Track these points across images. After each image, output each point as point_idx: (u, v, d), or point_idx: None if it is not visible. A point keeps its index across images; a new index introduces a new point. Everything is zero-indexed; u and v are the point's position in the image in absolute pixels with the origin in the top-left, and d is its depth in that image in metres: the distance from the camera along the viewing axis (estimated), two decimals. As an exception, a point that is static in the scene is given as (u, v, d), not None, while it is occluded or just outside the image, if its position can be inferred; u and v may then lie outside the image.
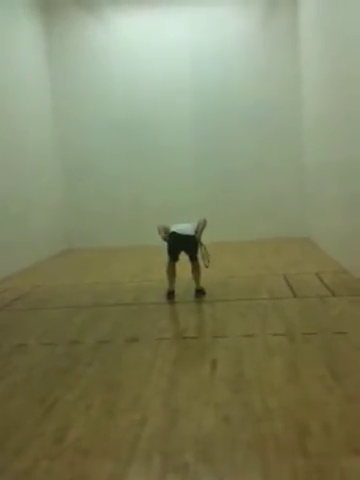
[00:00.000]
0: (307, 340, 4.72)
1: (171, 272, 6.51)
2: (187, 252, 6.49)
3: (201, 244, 6.52)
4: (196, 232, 6.48)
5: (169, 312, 6.10)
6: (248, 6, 11.16)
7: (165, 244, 6.52)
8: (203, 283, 6.62)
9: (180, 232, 6.43)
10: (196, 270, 6.53)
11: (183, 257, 6.52)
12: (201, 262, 6.51)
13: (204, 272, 6.60)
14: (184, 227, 6.53)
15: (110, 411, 3.50)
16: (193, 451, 2.91)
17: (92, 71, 11.57)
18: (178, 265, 6.51)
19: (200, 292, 6.54)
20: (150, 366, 4.27)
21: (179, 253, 6.51)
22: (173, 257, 6.48)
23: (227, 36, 11.22)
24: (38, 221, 10.28)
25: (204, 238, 6.58)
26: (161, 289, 6.82)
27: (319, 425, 3.10)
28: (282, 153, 11.33)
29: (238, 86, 11.27)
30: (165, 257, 6.51)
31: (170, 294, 6.49)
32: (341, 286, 6.67)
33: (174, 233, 6.44)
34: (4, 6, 9.66)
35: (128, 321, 5.79)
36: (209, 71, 11.28)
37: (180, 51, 11.31)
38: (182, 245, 6.47)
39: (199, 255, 6.49)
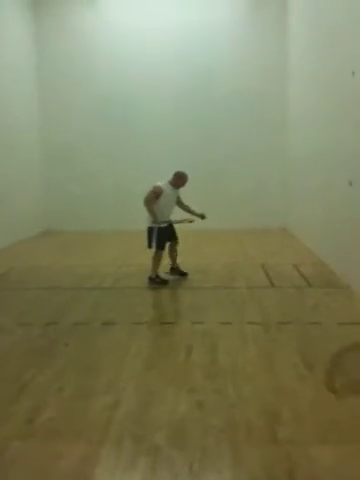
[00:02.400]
0: (282, 329, 4.78)
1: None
2: None
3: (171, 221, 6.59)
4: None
5: (147, 297, 6.11)
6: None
7: None
8: (185, 269, 6.69)
9: None
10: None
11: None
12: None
13: (184, 258, 6.64)
14: None
15: (84, 393, 3.51)
16: (165, 435, 2.94)
17: (79, 50, 11.42)
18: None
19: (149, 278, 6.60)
20: (126, 350, 4.29)
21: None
22: None
23: (215, 22, 11.14)
24: (17, 201, 10.14)
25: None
26: (140, 274, 6.83)
27: (290, 413, 3.16)
28: (266, 143, 11.34)
29: (224, 73, 11.21)
30: None
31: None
32: (318, 277, 6.76)
33: None
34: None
35: (106, 304, 5.78)
36: (195, 56, 11.20)
37: (167, 34, 11.20)
38: None
39: (154, 241, 6.42)
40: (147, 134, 11.42)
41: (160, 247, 6.46)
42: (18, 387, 3.60)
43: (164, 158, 11.38)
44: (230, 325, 4.92)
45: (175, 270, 6.88)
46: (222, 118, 11.31)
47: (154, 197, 6.35)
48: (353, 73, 6.08)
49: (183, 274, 6.88)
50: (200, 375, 3.75)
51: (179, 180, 6.58)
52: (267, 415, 3.14)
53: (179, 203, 6.78)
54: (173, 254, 6.85)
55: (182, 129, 11.40)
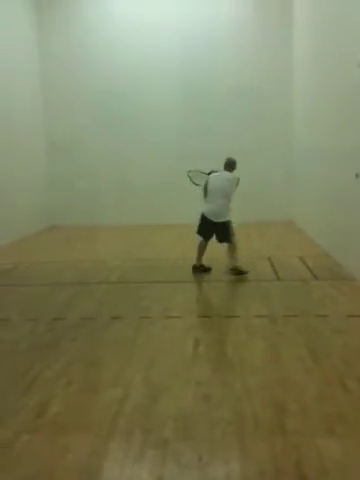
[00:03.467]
0: (288, 322, 4.78)
1: (200, 248, 6.67)
2: (217, 236, 6.56)
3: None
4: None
5: (153, 291, 6.11)
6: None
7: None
8: (188, 263, 6.66)
9: (211, 217, 6.48)
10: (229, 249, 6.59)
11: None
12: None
13: (190, 252, 6.63)
14: (221, 176, 6.61)
15: (91, 387, 3.52)
16: (173, 428, 2.95)
17: (82, 43, 11.38)
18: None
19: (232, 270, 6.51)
20: (132, 344, 4.30)
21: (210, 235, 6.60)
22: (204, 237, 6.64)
23: (219, 15, 11.06)
24: (21, 197, 10.15)
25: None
26: (146, 268, 6.84)
27: (297, 405, 3.16)
28: (271, 136, 11.27)
29: (228, 65, 11.13)
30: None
31: (195, 268, 6.69)
32: (323, 270, 6.74)
33: (205, 218, 6.52)
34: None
35: (112, 299, 5.80)
36: (199, 49, 11.12)
37: (171, 27, 11.13)
38: (213, 230, 6.53)
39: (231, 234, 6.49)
40: (150, 128, 11.39)
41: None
42: (26, 382, 3.62)
43: (167, 152, 11.40)
44: (237, 318, 4.92)
45: (198, 269, 6.75)
46: (226, 111, 11.24)
47: None
48: (359, 65, 6.04)
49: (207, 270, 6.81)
50: (207, 368, 3.76)
51: (233, 167, 6.73)
52: (274, 407, 3.15)
53: None
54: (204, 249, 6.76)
55: (185, 122, 11.36)
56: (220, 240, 6.54)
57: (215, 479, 2.49)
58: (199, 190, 10.81)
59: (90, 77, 11.41)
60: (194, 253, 6.73)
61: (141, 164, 11.44)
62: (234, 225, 6.64)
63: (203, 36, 11.10)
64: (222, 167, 6.74)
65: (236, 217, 10.81)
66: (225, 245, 6.58)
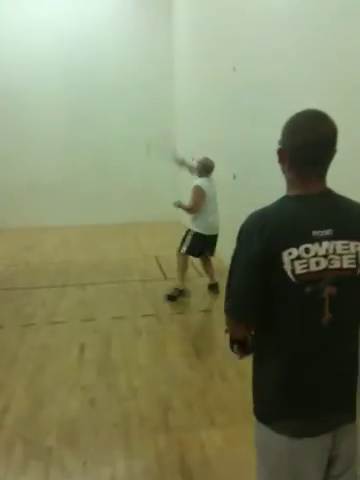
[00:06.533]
0: (174, 320, 4.89)
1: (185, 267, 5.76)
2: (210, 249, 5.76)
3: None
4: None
5: (37, 297, 5.89)
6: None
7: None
8: (74, 266, 6.52)
9: (213, 231, 5.68)
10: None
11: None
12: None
13: (75, 255, 6.51)
14: (211, 183, 5.66)
15: (-31, 402, 3.34)
16: (57, 436, 2.89)
17: None
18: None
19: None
20: (15, 353, 4.13)
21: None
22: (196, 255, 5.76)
23: (102, 13, 10.96)
24: None
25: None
26: (29, 273, 6.59)
27: (181, 401, 3.26)
28: (155, 132, 11.42)
29: (111, 61, 11.03)
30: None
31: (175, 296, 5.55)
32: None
33: (203, 235, 5.58)
34: None
35: (-7, 307, 5.52)
36: (79, 48, 10.87)
37: (53, 23, 10.78)
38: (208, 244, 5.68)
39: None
40: (32, 125, 10.88)
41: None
42: None
43: (49, 151, 11.06)
44: (123, 319, 4.93)
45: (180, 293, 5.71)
46: (110, 111, 11.14)
47: None
48: (234, 69, 6.32)
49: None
50: (93, 372, 3.73)
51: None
52: (159, 405, 3.22)
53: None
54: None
55: (68, 120, 11.02)
56: (212, 253, 5.78)
57: (100, 483, 2.49)
58: (89, 193, 10.73)
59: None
60: (82, 256, 6.61)
61: (23, 163, 10.92)
62: None
63: (86, 32, 10.91)
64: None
65: (123, 217, 10.93)
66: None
